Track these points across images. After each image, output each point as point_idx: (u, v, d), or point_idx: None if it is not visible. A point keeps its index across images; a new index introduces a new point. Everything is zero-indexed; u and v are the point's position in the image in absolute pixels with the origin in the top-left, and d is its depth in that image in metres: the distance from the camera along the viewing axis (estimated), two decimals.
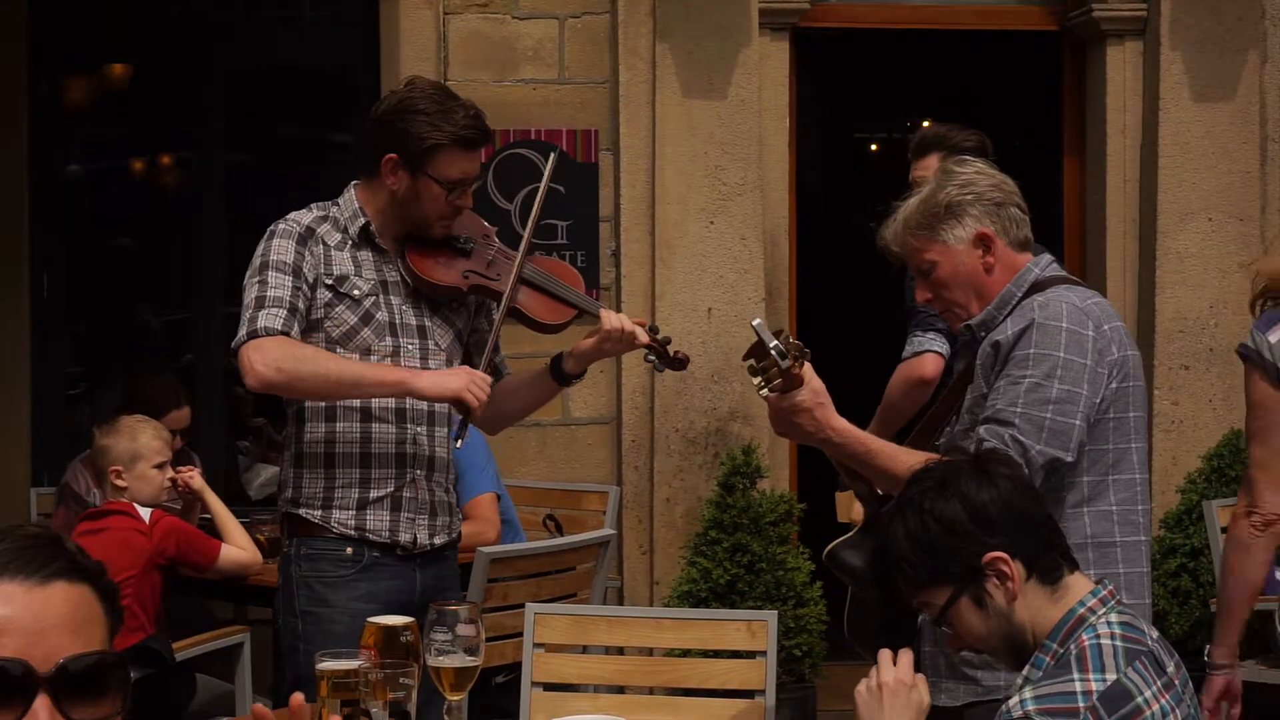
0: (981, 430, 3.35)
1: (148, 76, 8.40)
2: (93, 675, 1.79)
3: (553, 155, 4.17)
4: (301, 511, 3.94)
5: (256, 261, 3.89)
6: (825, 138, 10.73)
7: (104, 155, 8.86)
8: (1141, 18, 7.31)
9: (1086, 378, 3.35)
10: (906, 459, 3.38)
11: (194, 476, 5.39)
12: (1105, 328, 3.43)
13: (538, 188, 6.96)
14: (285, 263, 3.86)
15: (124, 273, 8.72)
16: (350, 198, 4.00)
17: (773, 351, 3.26)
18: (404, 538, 3.95)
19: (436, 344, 4.01)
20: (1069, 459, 3.33)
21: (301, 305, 3.84)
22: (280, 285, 3.83)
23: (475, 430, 5.91)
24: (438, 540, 4.03)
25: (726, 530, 6.64)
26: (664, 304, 6.97)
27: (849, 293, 10.85)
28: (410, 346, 3.96)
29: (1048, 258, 3.61)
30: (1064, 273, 3.62)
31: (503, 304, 3.96)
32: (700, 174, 6.99)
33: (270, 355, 3.76)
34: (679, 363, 4.07)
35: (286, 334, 3.79)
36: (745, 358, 3.36)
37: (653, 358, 4.05)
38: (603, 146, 7.12)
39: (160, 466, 5.27)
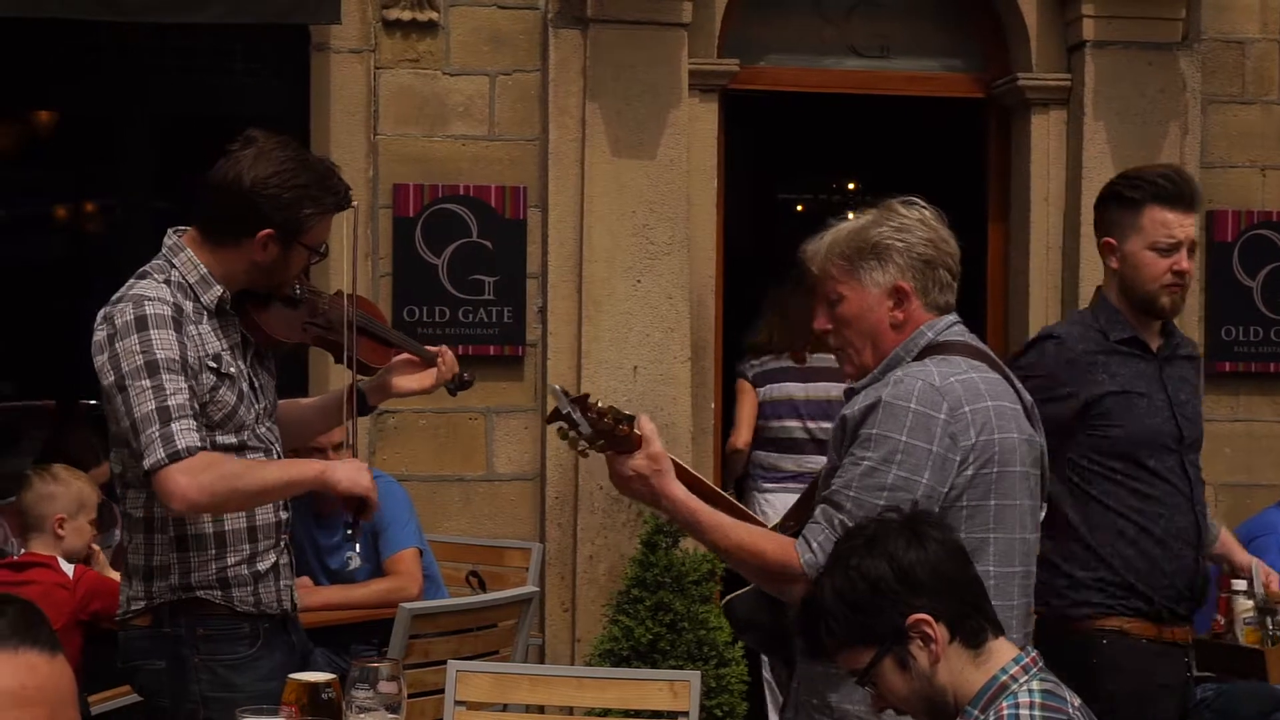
0: (817, 511, 3.25)
1: (75, 123, 8.36)
2: None
3: (352, 212, 3.98)
4: (199, 594, 3.76)
5: (138, 359, 3.63)
6: (752, 198, 10.78)
7: (27, 201, 8.80)
8: (1066, 88, 7.41)
9: (929, 464, 3.19)
10: (734, 535, 3.32)
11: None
12: (965, 410, 3.23)
13: (467, 241, 7.05)
14: (174, 360, 3.64)
15: (44, 319, 8.64)
16: (189, 258, 3.81)
17: (566, 419, 3.26)
18: (286, 604, 3.90)
19: (271, 401, 3.94)
20: None
21: (198, 404, 3.66)
22: (178, 390, 3.61)
23: (397, 484, 5.92)
24: (295, 599, 3.99)
25: (649, 589, 6.63)
26: (590, 362, 6.97)
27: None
28: (261, 411, 3.87)
29: (947, 320, 3.42)
30: (965, 338, 3.44)
31: (350, 361, 3.92)
32: (628, 232, 7.02)
33: (201, 479, 3.57)
34: (466, 384, 4.23)
35: (205, 448, 3.61)
36: (549, 421, 3.36)
37: (451, 383, 4.13)
38: (531, 203, 7.14)
39: (91, 521, 5.26)
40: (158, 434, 3.58)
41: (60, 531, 5.15)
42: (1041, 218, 7.45)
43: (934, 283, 3.40)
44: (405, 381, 4.05)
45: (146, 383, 3.61)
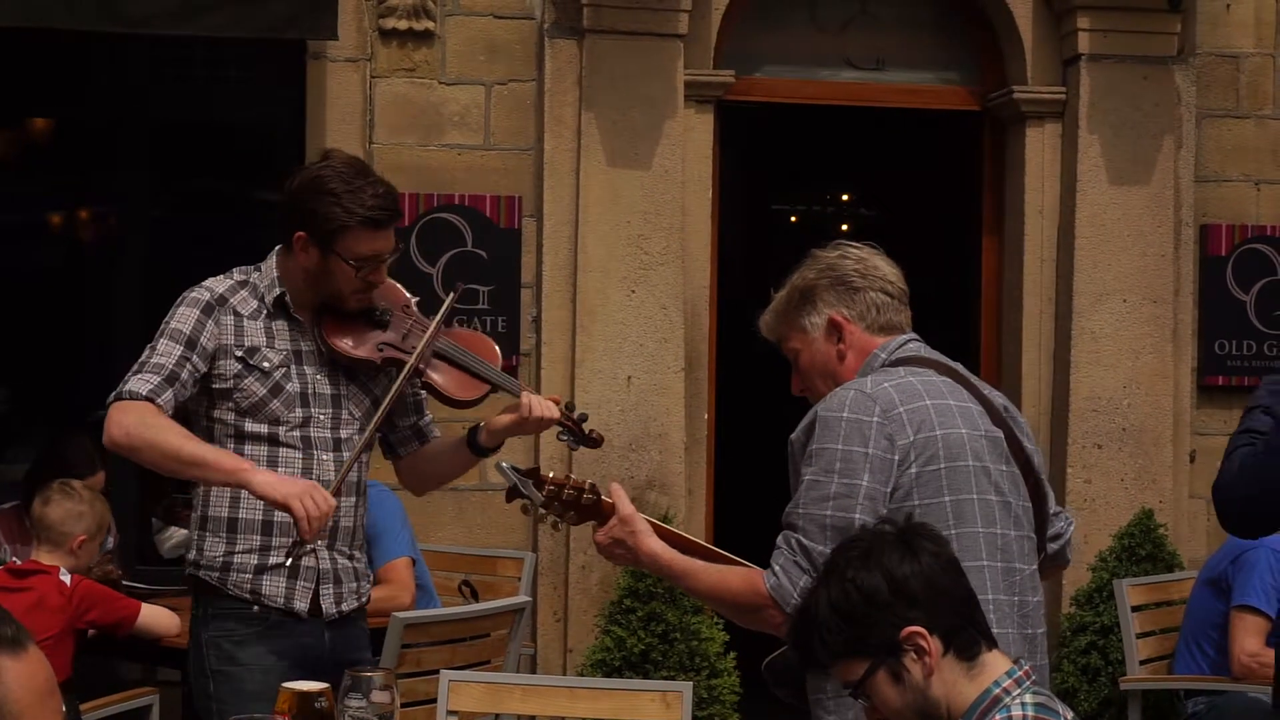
0: (779, 537, 3.28)
1: (70, 130, 8.35)
2: None
3: (453, 294, 4.10)
4: (201, 573, 3.94)
5: (160, 327, 3.91)
6: (747, 209, 10.81)
7: (22, 209, 8.78)
8: (1061, 101, 7.43)
9: (867, 466, 3.21)
10: (705, 577, 3.39)
11: None
12: (900, 410, 3.26)
13: (461, 250, 7.05)
14: (181, 332, 3.87)
15: (38, 325, 8.63)
16: (270, 265, 4.01)
17: (518, 493, 3.41)
18: (299, 605, 3.93)
19: (350, 413, 4.00)
20: None
21: (186, 374, 3.84)
22: (167, 353, 3.84)
23: (391, 494, 5.92)
24: (344, 607, 4.01)
25: (641, 599, 6.63)
26: (584, 371, 6.98)
27: (768, 364, 10.90)
28: (322, 416, 3.96)
29: (900, 339, 3.45)
30: (919, 352, 3.46)
31: (403, 374, 3.94)
32: (622, 242, 7.02)
33: (126, 419, 3.76)
34: (593, 441, 4.07)
35: (152, 400, 3.78)
36: (509, 499, 3.48)
37: (566, 436, 4.05)
38: (526, 213, 7.14)
39: (99, 545, 5.38)
40: (124, 378, 3.84)
41: (78, 551, 5.23)
42: (1035, 230, 7.46)
43: (869, 306, 3.45)
44: (498, 418, 4.04)
45: (150, 344, 3.89)
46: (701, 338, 7.27)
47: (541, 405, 3.97)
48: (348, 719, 3.17)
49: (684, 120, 7.13)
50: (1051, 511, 3.58)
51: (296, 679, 3.33)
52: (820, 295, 3.44)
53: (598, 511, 3.45)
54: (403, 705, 3.66)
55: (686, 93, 7.13)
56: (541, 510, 3.47)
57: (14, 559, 5.55)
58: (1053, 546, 3.57)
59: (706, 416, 7.31)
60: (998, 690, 2.83)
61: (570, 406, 4.07)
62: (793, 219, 12.79)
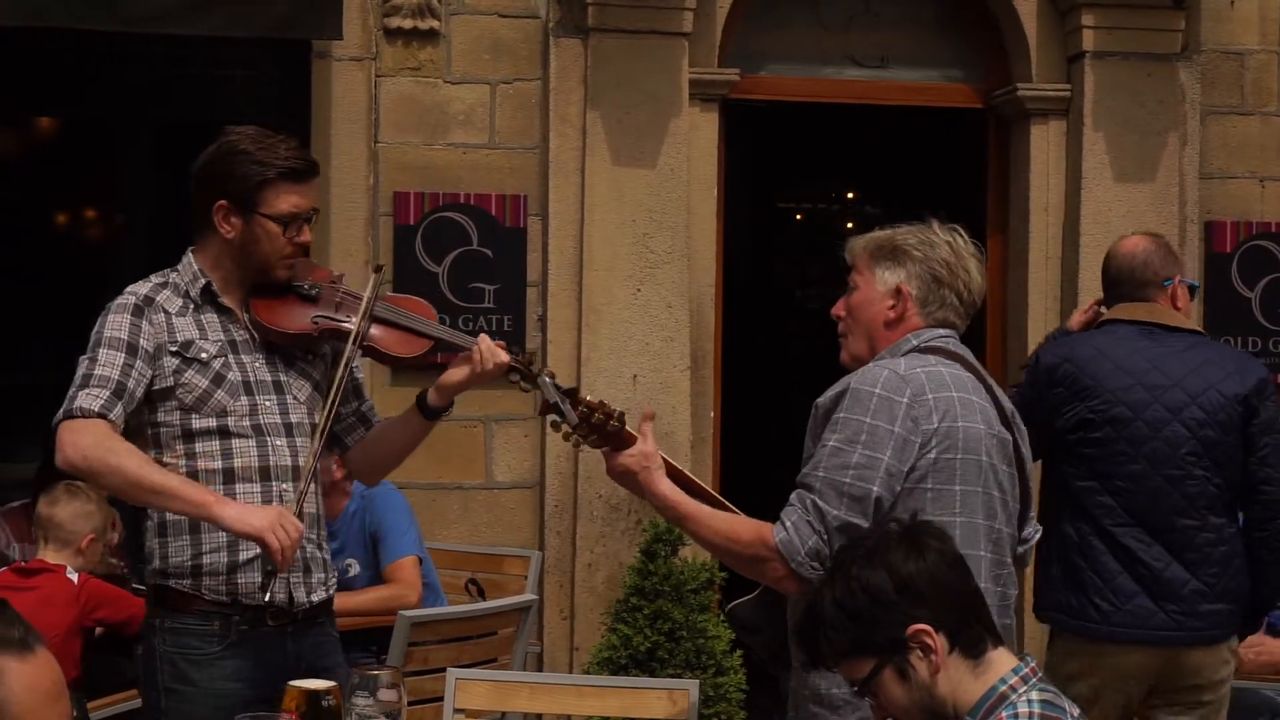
0: (792, 495, 3.40)
1: (73, 130, 8.35)
2: None
3: (376, 275, 3.99)
4: (171, 583, 3.80)
5: (92, 338, 3.80)
6: (751, 207, 10.81)
7: (24, 208, 8.79)
8: (1065, 98, 7.42)
9: (891, 444, 3.35)
10: (712, 523, 3.50)
11: None
12: (929, 396, 3.39)
13: (467, 249, 7.06)
14: (119, 339, 3.77)
15: (41, 325, 8.64)
16: (188, 262, 3.92)
17: (554, 409, 3.55)
18: (279, 598, 3.81)
19: (295, 397, 3.92)
20: (866, 525, 3.31)
21: (133, 383, 3.74)
22: (109, 363, 3.74)
23: (397, 492, 5.93)
24: (314, 597, 3.89)
25: (648, 597, 6.63)
26: (589, 370, 6.98)
27: (774, 361, 10.91)
28: (268, 403, 3.87)
29: (938, 333, 3.57)
30: (947, 345, 3.57)
31: (351, 337, 3.86)
32: (628, 241, 7.02)
33: (81, 441, 3.65)
34: (537, 378, 3.94)
35: (104, 416, 3.68)
36: (542, 413, 3.63)
37: (515, 377, 3.92)
38: (531, 212, 7.15)
39: (104, 544, 5.43)
40: (69, 394, 3.72)
41: (86, 550, 5.26)
42: (1041, 228, 7.46)
43: (936, 299, 3.59)
44: (449, 374, 3.97)
45: (87, 356, 3.78)
46: (707, 336, 7.27)
47: (491, 348, 3.89)
48: (355, 717, 3.18)
49: (689, 119, 7.13)
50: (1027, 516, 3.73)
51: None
52: (905, 262, 3.59)
53: (620, 439, 3.58)
54: (410, 703, 3.67)
55: (691, 91, 7.13)
56: (569, 428, 3.59)
57: (20, 559, 5.56)
58: (1019, 549, 3.70)
59: (712, 414, 7.31)
60: (1004, 687, 2.83)
61: (518, 350, 3.98)
62: (798, 217, 12.78)
